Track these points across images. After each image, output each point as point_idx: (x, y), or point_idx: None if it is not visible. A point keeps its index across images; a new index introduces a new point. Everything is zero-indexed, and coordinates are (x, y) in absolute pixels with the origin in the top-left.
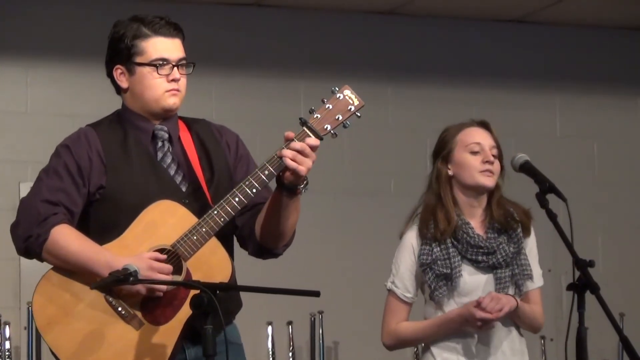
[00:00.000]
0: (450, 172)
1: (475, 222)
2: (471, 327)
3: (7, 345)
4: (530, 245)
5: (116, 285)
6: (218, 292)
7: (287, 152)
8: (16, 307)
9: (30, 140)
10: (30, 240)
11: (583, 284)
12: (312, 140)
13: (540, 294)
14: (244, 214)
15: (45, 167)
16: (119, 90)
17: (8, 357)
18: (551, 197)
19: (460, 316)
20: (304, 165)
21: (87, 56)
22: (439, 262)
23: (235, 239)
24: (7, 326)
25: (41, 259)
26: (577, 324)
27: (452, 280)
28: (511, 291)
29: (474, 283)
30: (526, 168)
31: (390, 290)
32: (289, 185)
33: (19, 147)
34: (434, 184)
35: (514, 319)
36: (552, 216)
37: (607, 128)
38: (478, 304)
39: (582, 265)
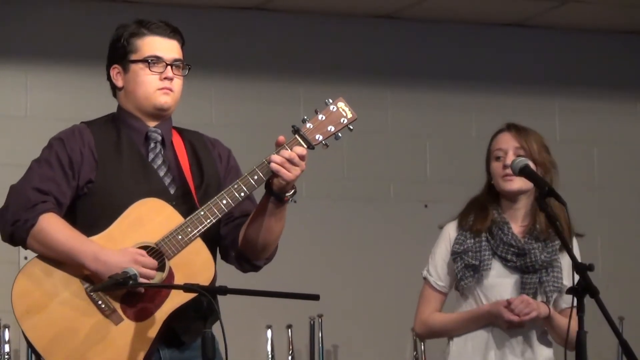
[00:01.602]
0: (492, 181)
1: (516, 224)
2: (499, 324)
3: (7, 348)
4: (569, 261)
5: (116, 289)
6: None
7: (275, 158)
8: None
9: (30, 144)
10: (17, 225)
11: (582, 288)
12: (300, 149)
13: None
14: (228, 224)
15: (37, 157)
16: (115, 91)
17: None
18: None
19: (489, 313)
20: (291, 173)
21: (86, 60)
22: (469, 253)
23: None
24: (6, 329)
25: (26, 246)
26: (577, 327)
27: (480, 273)
28: (540, 299)
29: (501, 281)
30: (526, 172)
31: (425, 279)
32: (277, 192)
33: (18, 151)
34: (482, 188)
35: (548, 329)
36: (552, 220)
37: (607, 132)
38: (508, 304)
39: (581, 269)
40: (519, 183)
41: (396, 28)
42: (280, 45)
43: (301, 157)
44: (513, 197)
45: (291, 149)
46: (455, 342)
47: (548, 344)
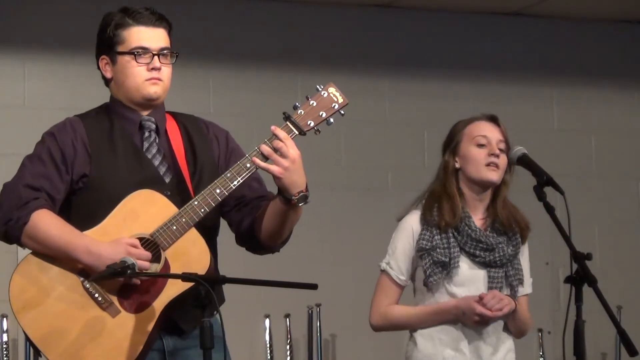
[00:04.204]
0: (457, 165)
1: (477, 217)
2: (467, 320)
3: (5, 337)
4: (525, 254)
5: (113, 278)
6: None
7: (264, 148)
8: None
9: (28, 133)
10: (10, 224)
11: (580, 277)
12: (282, 133)
13: (528, 302)
14: (241, 209)
15: (29, 153)
16: (106, 81)
17: (5, 350)
18: (549, 190)
19: (457, 308)
20: (278, 167)
21: (84, 49)
22: (438, 249)
23: (233, 235)
24: (4, 319)
25: (21, 244)
26: (575, 317)
27: (449, 270)
28: (505, 292)
29: (469, 276)
30: (524, 161)
31: (384, 271)
32: (282, 192)
33: (16, 140)
34: (441, 174)
35: (509, 320)
36: (549, 209)
37: (605, 121)
38: (480, 299)
39: (579, 258)
40: (500, 175)
41: (394, 17)
42: (278, 34)
43: (287, 143)
44: (485, 187)
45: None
46: (421, 334)
47: (509, 334)
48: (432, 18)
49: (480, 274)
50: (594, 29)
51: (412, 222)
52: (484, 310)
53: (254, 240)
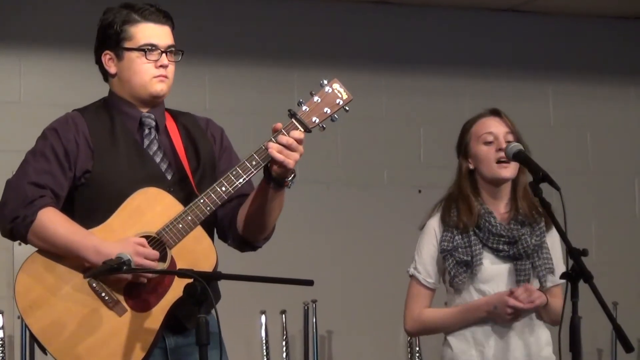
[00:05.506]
0: (470, 166)
1: (499, 212)
2: (499, 315)
3: (1, 334)
4: (552, 241)
5: (110, 274)
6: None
7: (274, 145)
8: (10, 297)
9: (24, 130)
10: (16, 222)
11: (577, 273)
12: (297, 133)
13: (562, 290)
14: (225, 205)
15: (31, 149)
16: (106, 77)
17: (1, 346)
18: (545, 186)
19: (488, 304)
20: (290, 159)
21: (81, 46)
22: (459, 249)
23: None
24: (0, 315)
25: (26, 241)
26: (571, 313)
27: (472, 268)
28: (535, 284)
29: (494, 271)
30: (520, 157)
31: (412, 276)
32: (276, 177)
33: (12, 137)
34: (457, 177)
35: (540, 313)
36: (545, 205)
37: (601, 117)
38: (511, 293)
39: (575, 254)
40: (513, 170)
41: (390, 13)
42: (275, 30)
43: (299, 142)
44: (501, 184)
45: (288, 134)
46: (454, 336)
47: (544, 325)
48: (428, 14)
49: (506, 268)
50: (589, 25)
51: (434, 224)
52: (516, 303)
53: (236, 235)
